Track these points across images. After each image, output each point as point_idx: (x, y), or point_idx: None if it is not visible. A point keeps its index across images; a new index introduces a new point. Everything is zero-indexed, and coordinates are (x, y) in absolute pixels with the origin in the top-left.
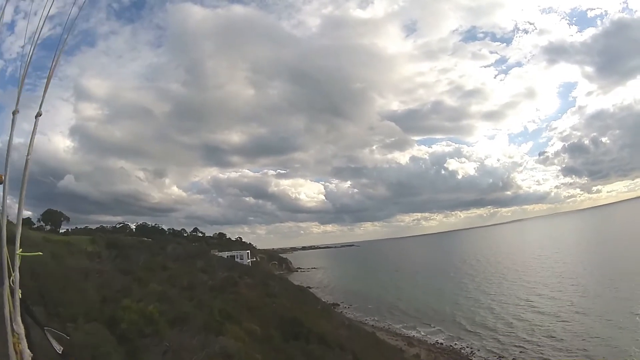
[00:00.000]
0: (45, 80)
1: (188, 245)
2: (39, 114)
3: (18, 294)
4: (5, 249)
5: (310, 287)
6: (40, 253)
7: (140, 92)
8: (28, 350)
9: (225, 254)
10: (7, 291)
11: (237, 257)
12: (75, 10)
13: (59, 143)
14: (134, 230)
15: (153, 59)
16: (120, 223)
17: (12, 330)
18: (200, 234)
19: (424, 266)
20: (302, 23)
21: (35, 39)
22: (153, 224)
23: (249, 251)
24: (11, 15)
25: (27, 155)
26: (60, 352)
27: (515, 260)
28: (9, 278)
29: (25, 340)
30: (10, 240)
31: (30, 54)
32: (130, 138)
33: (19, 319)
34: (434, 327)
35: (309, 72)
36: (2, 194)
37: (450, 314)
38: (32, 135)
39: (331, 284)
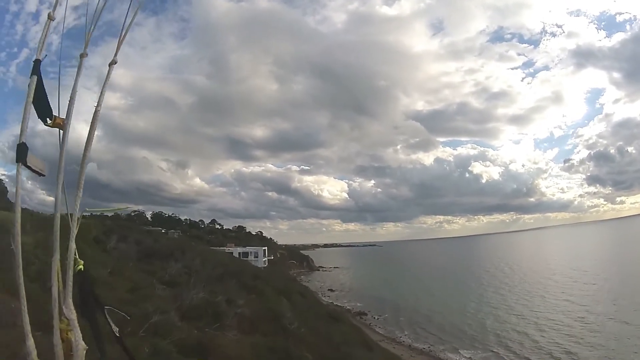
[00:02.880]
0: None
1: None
2: (113, 62)
3: (71, 270)
4: (59, 214)
5: (333, 290)
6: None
7: (164, 83)
8: (82, 342)
9: (237, 250)
10: (56, 264)
11: (252, 255)
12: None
13: (82, 131)
14: (149, 219)
15: (177, 51)
16: (136, 211)
17: (61, 314)
18: (219, 226)
19: (453, 271)
20: (327, 19)
21: (62, 29)
22: (170, 214)
23: (265, 248)
24: (36, 5)
25: (97, 106)
26: (117, 335)
27: (553, 271)
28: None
29: (78, 328)
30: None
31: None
32: (153, 128)
33: (69, 300)
34: (482, 350)
35: (333, 68)
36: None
37: (493, 331)
38: (104, 84)
39: (356, 286)
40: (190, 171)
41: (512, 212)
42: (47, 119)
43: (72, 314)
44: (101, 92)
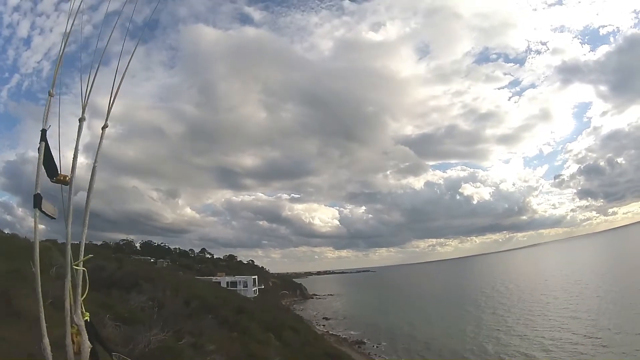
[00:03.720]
0: (110, 97)
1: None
2: (105, 126)
3: (80, 287)
4: (69, 247)
5: (328, 318)
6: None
7: (154, 112)
8: (88, 342)
9: (225, 280)
10: (68, 284)
11: (240, 285)
12: (90, 28)
13: (71, 159)
14: (138, 248)
15: (166, 80)
16: (124, 239)
17: (72, 321)
18: (209, 255)
19: (449, 295)
20: (314, 46)
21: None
22: (160, 243)
23: (255, 277)
24: (27, 30)
25: (95, 162)
26: None
27: (552, 287)
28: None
29: (85, 332)
30: None
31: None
32: (143, 157)
33: (79, 311)
34: None
35: (321, 95)
36: (67, 194)
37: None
38: (99, 145)
39: (351, 314)
40: (180, 200)
41: (504, 232)
42: (53, 177)
43: (81, 321)
44: (97, 153)
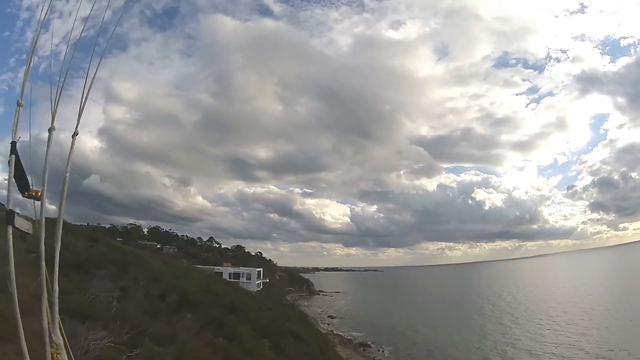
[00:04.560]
0: (81, 101)
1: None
2: (75, 134)
3: (56, 306)
4: (44, 263)
5: (334, 317)
6: None
7: (170, 99)
8: None
9: (227, 271)
10: (45, 304)
11: (243, 277)
12: (108, 14)
13: (86, 142)
14: (145, 233)
15: (183, 68)
16: (132, 224)
17: (51, 340)
18: (217, 244)
19: (455, 300)
20: (333, 41)
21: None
22: (167, 229)
23: (260, 269)
24: (46, 13)
25: (66, 173)
26: None
27: (561, 299)
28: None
29: (64, 350)
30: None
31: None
32: (157, 144)
33: (57, 330)
34: None
35: (337, 91)
36: (40, 209)
37: None
38: (69, 154)
39: (358, 313)
40: (192, 189)
41: (514, 239)
42: (25, 192)
43: (60, 340)
44: (67, 162)
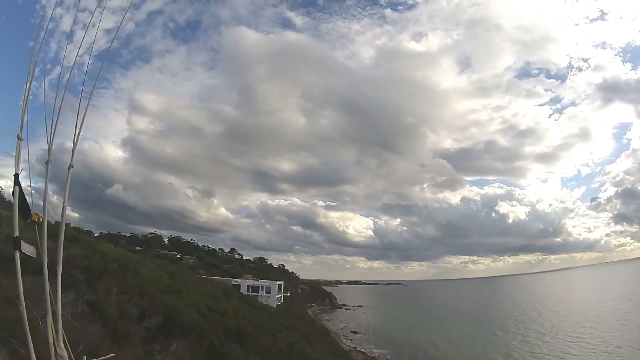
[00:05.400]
0: (74, 135)
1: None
2: (71, 166)
3: (60, 320)
4: (47, 283)
5: (357, 332)
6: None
7: (193, 111)
8: None
9: (246, 284)
10: (50, 319)
11: (262, 290)
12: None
13: (110, 152)
14: (166, 242)
15: (206, 80)
16: (152, 233)
17: (56, 353)
18: (238, 256)
19: (478, 314)
20: (355, 54)
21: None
22: (189, 239)
23: (281, 282)
24: (70, 25)
25: (64, 202)
26: None
27: (588, 316)
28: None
29: None
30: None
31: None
32: (180, 155)
33: (62, 343)
34: None
35: (360, 103)
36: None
37: None
38: (66, 187)
39: (380, 328)
40: (215, 200)
41: (537, 253)
42: (27, 218)
43: (64, 353)
44: (66, 193)
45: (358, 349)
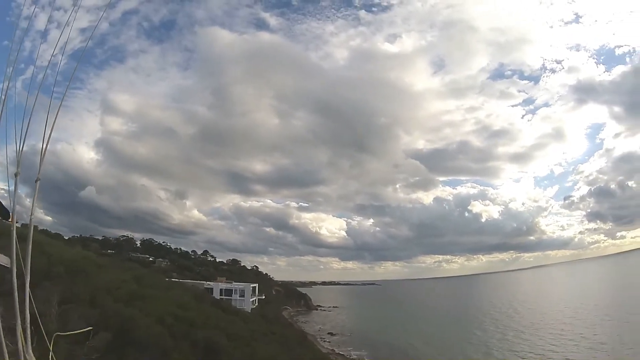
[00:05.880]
0: (42, 145)
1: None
2: (38, 179)
3: (29, 328)
4: (16, 290)
5: (334, 334)
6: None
7: (167, 111)
8: None
9: (218, 287)
10: (19, 329)
11: (236, 294)
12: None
13: (83, 153)
14: (138, 245)
15: (180, 81)
16: (124, 236)
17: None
18: (211, 258)
19: (455, 314)
20: (329, 55)
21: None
22: (161, 242)
23: (256, 285)
24: (44, 23)
25: (30, 215)
26: None
27: (567, 313)
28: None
29: None
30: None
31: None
32: (153, 156)
33: (30, 352)
34: None
35: (334, 104)
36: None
37: None
38: (34, 198)
39: (357, 330)
40: (188, 202)
41: (511, 251)
42: (6, 219)
43: (32, 359)
44: (32, 205)
45: (336, 351)
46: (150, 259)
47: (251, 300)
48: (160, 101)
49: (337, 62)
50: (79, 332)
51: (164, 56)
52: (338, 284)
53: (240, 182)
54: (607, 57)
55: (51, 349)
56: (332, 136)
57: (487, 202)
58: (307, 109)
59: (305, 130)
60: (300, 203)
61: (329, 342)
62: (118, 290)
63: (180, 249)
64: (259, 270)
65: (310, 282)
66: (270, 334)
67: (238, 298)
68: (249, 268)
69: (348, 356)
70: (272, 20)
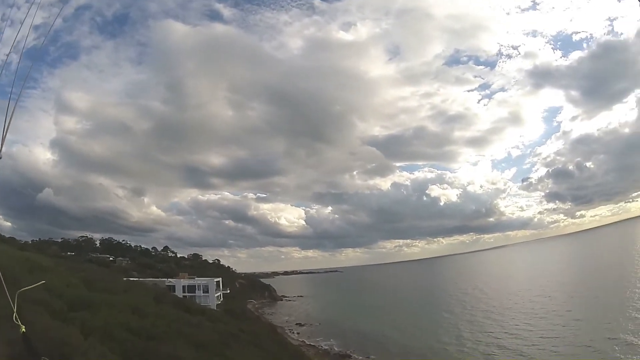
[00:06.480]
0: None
1: None
2: None
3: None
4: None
5: (302, 324)
6: (44, 281)
7: (121, 108)
8: None
9: (181, 284)
10: None
11: (200, 290)
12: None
13: (39, 154)
14: (97, 245)
15: (134, 76)
16: (83, 236)
17: None
18: (172, 254)
19: (423, 297)
20: (283, 44)
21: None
22: (120, 240)
23: (219, 279)
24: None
25: None
26: None
27: (535, 291)
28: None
29: None
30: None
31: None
32: (109, 154)
33: None
34: None
35: (289, 94)
36: None
37: None
38: None
39: (326, 318)
40: (146, 199)
41: (471, 233)
42: None
43: None
44: None
45: (307, 342)
46: (111, 258)
47: (216, 295)
48: (114, 98)
49: (291, 52)
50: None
51: (118, 51)
52: (300, 272)
53: (197, 176)
54: (564, 43)
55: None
56: (288, 126)
57: (445, 185)
58: (261, 100)
59: (260, 121)
60: (258, 194)
61: (298, 333)
62: (60, 297)
63: (140, 246)
64: (221, 263)
65: (273, 272)
66: (240, 332)
67: (202, 294)
68: (211, 262)
69: (319, 347)
70: (225, 11)
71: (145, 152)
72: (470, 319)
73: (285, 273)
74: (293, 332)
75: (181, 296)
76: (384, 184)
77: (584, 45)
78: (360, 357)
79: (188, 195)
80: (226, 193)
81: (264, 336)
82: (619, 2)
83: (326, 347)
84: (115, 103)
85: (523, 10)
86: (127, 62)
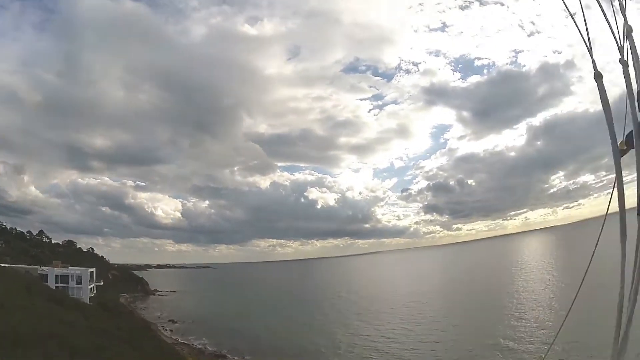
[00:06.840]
0: None
1: None
2: None
3: None
4: None
5: (175, 321)
6: None
7: (15, 76)
8: None
9: (54, 273)
10: None
11: (73, 280)
12: None
13: None
14: None
15: (35, 43)
16: None
17: None
18: (47, 239)
19: (297, 297)
20: (187, 30)
21: None
22: None
23: (93, 270)
24: None
25: None
26: None
27: (410, 297)
28: None
29: None
30: None
31: None
32: None
33: None
34: None
35: (183, 81)
36: None
37: None
38: None
39: (200, 315)
40: (26, 177)
41: (346, 237)
42: None
43: None
44: None
45: (180, 340)
46: None
47: (89, 287)
48: (9, 64)
49: (194, 39)
50: None
51: (22, 14)
52: (173, 267)
53: (79, 157)
54: (465, 66)
55: None
56: (177, 114)
57: (325, 189)
58: (154, 84)
59: (149, 106)
60: (137, 182)
61: (171, 330)
62: None
63: (16, 229)
64: (95, 252)
65: (146, 265)
66: (116, 330)
67: (75, 285)
68: (85, 250)
69: (192, 345)
70: None
71: (32, 126)
72: (345, 322)
73: (158, 266)
74: (166, 330)
75: (53, 287)
76: (263, 182)
77: (485, 71)
78: (236, 358)
79: (68, 177)
80: (106, 178)
81: (139, 334)
82: (528, 37)
83: (200, 346)
84: (9, 70)
85: (431, 30)
86: (30, 27)
